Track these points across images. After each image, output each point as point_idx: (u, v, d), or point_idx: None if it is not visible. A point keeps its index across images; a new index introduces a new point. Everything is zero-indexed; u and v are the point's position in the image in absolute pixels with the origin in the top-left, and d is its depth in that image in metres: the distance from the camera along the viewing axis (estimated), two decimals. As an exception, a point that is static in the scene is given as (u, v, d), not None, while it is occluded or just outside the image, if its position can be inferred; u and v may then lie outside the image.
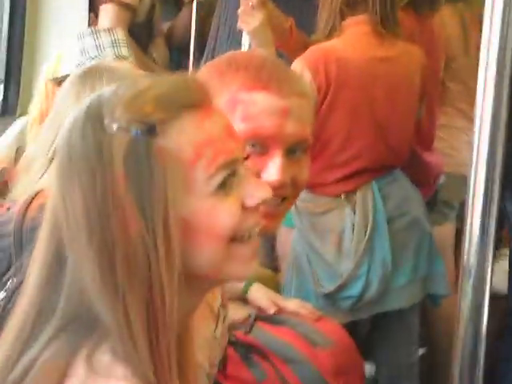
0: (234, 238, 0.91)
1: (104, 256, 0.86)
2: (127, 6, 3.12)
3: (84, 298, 0.88)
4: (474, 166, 1.01)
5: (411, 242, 2.32)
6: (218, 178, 0.89)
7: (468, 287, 0.89)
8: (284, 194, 1.23)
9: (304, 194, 2.35)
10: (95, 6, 3.28)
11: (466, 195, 1.10)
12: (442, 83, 2.89)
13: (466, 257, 0.90)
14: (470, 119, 2.87)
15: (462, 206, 2.88)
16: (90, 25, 3.30)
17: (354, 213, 2.28)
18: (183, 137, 0.89)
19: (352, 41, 2.30)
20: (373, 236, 2.26)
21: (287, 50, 2.55)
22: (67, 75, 1.94)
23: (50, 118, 1.68)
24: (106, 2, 3.12)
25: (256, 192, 0.93)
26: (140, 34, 3.21)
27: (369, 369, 2.83)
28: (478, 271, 0.90)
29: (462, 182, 2.86)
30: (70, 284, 0.89)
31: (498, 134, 1.03)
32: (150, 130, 0.88)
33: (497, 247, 2.87)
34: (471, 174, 1.01)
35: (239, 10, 2.38)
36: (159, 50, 3.35)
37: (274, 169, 1.21)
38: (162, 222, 0.86)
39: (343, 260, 2.27)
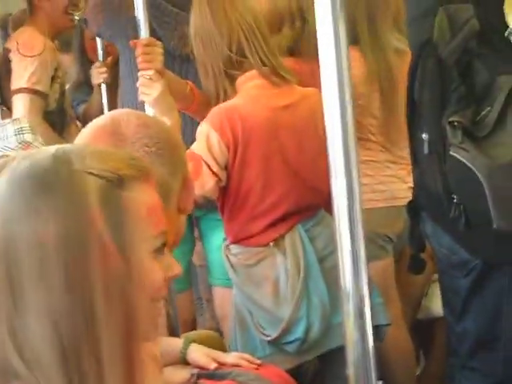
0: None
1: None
2: (39, 94, 3.17)
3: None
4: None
5: (345, 279, 2.35)
6: (158, 241, 1.01)
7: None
8: None
9: (235, 248, 2.39)
10: (5, 98, 3.32)
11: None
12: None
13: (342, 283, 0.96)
14: (390, 151, 2.99)
15: (399, 238, 2.96)
16: (2, 118, 3.33)
17: (286, 258, 2.31)
18: (140, 196, 1.00)
19: (250, 96, 2.35)
20: (307, 278, 2.29)
21: (192, 113, 2.60)
22: None
23: None
24: (17, 92, 3.16)
25: (172, 267, 1.03)
26: (53, 121, 3.24)
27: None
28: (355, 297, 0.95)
29: (395, 214, 2.95)
30: None
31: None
32: (120, 182, 0.98)
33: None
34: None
35: (138, 83, 2.43)
36: (74, 136, 3.38)
37: None
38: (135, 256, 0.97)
39: (282, 305, 2.29)
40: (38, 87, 3.16)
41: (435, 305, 3.04)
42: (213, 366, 1.75)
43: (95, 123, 1.49)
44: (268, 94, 2.35)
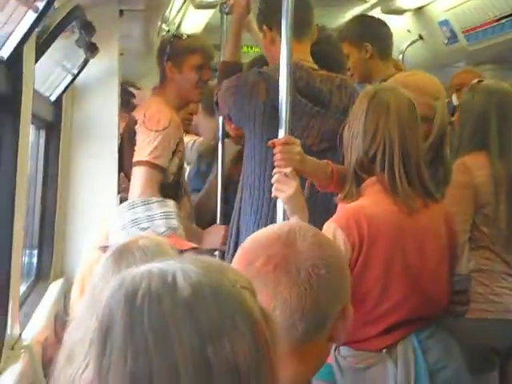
0: None
1: None
2: (158, 168, 3.25)
3: None
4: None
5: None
6: None
7: None
8: None
9: (345, 350, 2.37)
10: (125, 167, 3.41)
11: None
12: (476, 227, 2.97)
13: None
14: (506, 263, 2.97)
15: (509, 351, 2.92)
16: (119, 186, 3.42)
17: (396, 367, 2.29)
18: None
19: (375, 198, 2.36)
20: (416, 390, 2.27)
21: (329, 190, 2.63)
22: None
23: (87, 304, 1.73)
24: (137, 165, 3.25)
25: None
26: (168, 193, 3.31)
27: None
28: None
29: (506, 327, 2.92)
30: None
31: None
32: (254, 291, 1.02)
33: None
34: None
35: (273, 179, 2.47)
36: (185, 208, 3.45)
37: None
38: None
39: (388, 415, 2.26)
40: (158, 162, 3.24)
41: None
42: None
43: (272, 229, 1.50)
44: (392, 199, 2.36)
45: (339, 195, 2.50)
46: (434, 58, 5.48)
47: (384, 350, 2.31)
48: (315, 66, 3.09)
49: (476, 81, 3.18)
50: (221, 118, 3.59)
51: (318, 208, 2.69)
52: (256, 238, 1.49)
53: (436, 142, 2.65)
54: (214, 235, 3.47)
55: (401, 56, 5.46)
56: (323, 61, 3.17)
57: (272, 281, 1.40)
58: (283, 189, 2.43)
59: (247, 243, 1.49)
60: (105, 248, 2.15)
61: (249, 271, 1.41)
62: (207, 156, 4.02)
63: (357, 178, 2.42)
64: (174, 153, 3.34)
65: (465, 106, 3.09)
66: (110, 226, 2.58)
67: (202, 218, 3.72)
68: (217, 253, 3.41)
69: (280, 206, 2.46)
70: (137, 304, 0.93)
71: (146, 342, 0.91)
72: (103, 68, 3.43)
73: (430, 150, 2.63)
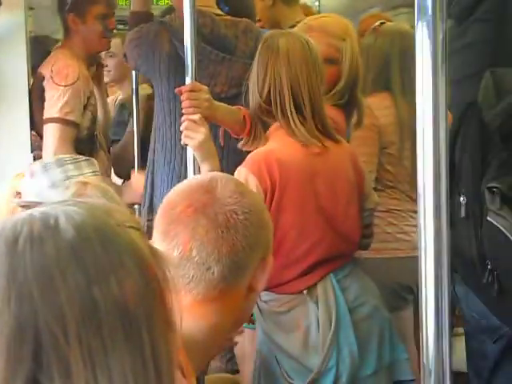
0: None
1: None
2: (70, 124, 3.19)
3: None
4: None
5: (373, 331, 2.37)
6: None
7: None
8: None
9: (266, 295, 2.39)
10: (36, 123, 3.34)
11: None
12: (382, 167, 3.01)
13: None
14: (414, 201, 3.02)
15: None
16: (31, 145, 3.35)
17: (317, 307, 2.33)
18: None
19: (283, 142, 2.37)
20: (338, 329, 2.31)
21: (243, 136, 2.60)
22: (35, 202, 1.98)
23: None
24: (49, 122, 3.18)
25: None
26: (82, 148, 3.26)
27: None
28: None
29: (417, 264, 2.97)
30: None
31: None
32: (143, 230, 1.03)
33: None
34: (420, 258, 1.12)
35: (182, 126, 2.44)
36: (102, 163, 3.40)
37: None
38: None
39: (311, 355, 2.29)
40: (70, 117, 3.19)
41: (457, 359, 3.04)
42: None
43: (195, 179, 1.62)
44: (300, 143, 2.37)
45: (243, 142, 2.50)
46: (350, 4, 5.48)
47: (304, 292, 2.35)
48: (219, 12, 3.06)
49: (378, 23, 3.19)
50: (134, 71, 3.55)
51: (230, 155, 2.69)
52: (179, 188, 1.56)
53: (348, 85, 2.66)
54: (134, 189, 3.44)
55: (317, 2, 5.45)
56: (232, 4, 3.15)
57: (191, 223, 1.47)
58: (192, 136, 2.41)
59: (171, 193, 1.56)
60: (25, 205, 2.09)
61: (170, 215, 1.50)
62: (130, 106, 3.97)
63: (262, 122, 2.43)
64: (85, 107, 3.28)
65: (367, 48, 3.10)
66: (28, 185, 2.51)
67: (120, 169, 3.70)
68: (136, 206, 3.39)
69: (190, 155, 2.44)
70: (18, 249, 0.92)
71: (30, 286, 0.90)
72: (9, 23, 3.33)
73: (343, 92, 2.64)
